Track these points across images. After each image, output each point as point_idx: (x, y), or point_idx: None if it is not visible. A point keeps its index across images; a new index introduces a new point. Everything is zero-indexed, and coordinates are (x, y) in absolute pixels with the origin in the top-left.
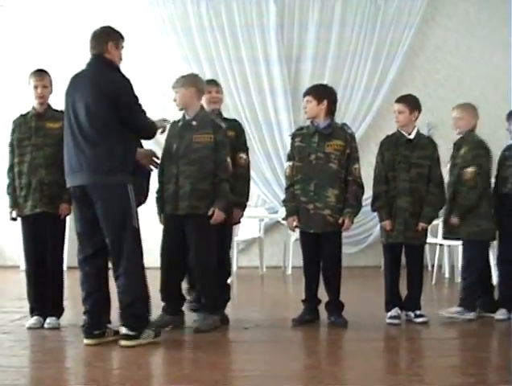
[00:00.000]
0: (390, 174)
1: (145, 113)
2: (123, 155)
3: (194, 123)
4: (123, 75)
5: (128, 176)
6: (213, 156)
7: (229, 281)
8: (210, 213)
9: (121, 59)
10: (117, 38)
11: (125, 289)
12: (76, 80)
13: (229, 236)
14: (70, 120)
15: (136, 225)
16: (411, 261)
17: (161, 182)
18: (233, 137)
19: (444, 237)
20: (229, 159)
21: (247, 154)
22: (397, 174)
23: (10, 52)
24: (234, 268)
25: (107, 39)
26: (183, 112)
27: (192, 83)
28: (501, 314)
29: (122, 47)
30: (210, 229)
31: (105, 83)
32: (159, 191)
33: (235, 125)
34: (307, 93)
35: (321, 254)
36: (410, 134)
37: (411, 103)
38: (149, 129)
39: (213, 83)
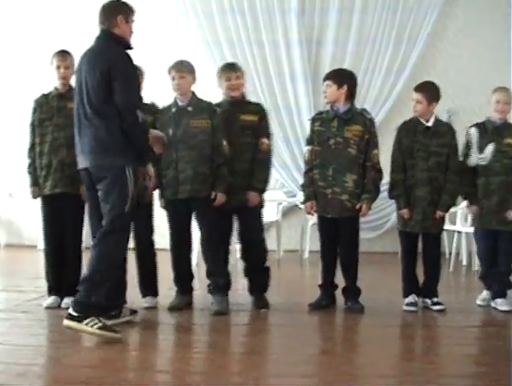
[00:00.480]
0: (408, 162)
1: (139, 107)
2: (123, 137)
3: (190, 109)
4: (126, 54)
5: (127, 159)
6: (211, 140)
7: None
8: (213, 197)
9: (131, 33)
10: (127, 11)
11: (88, 263)
12: (84, 58)
13: (259, 219)
14: (77, 99)
15: (127, 210)
16: (428, 249)
17: (159, 167)
18: (255, 122)
19: (474, 226)
20: (225, 142)
21: (269, 140)
22: (415, 163)
23: (26, 33)
24: None
25: (116, 12)
26: (174, 97)
27: (193, 70)
28: None
29: (133, 21)
30: (213, 210)
31: (106, 59)
32: (158, 177)
33: (258, 109)
34: (327, 77)
35: (339, 239)
36: (428, 122)
37: (430, 93)
38: (135, 131)
39: (232, 68)
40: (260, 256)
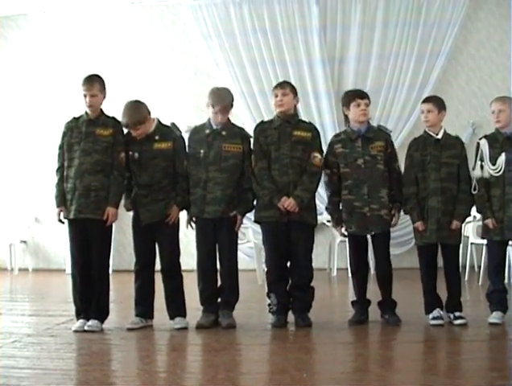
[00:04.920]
0: (420, 174)
1: None
2: None
3: (224, 133)
4: None
5: None
6: (241, 165)
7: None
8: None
9: None
10: None
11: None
12: None
13: (310, 237)
14: None
15: None
16: (448, 262)
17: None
18: (308, 137)
19: (487, 239)
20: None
21: (322, 155)
22: (427, 175)
23: (54, 57)
24: None
25: None
26: (208, 118)
27: (232, 101)
28: None
29: None
30: (236, 232)
31: None
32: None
33: (311, 128)
34: (366, 96)
35: (375, 253)
36: (437, 134)
37: (438, 103)
38: None
39: (279, 85)
40: (306, 275)
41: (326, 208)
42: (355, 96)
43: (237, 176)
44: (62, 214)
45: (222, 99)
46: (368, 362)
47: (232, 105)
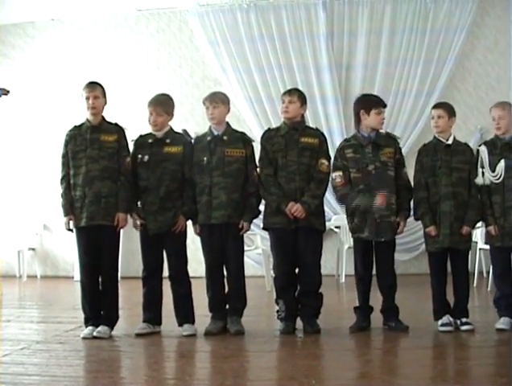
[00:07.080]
0: (431, 179)
1: None
2: None
3: (225, 138)
4: None
5: None
6: (245, 170)
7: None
8: (240, 226)
9: None
10: None
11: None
12: None
13: (318, 242)
14: None
15: None
16: (457, 267)
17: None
18: (315, 144)
19: (490, 245)
20: (255, 173)
21: (329, 162)
22: (438, 180)
23: (62, 64)
24: None
25: None
26: (209, 126)
27: (227, 101)
28: None
29: None
30: (243, 238)
31: None
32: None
33: (318, 134)
34: (385, 105)
35: (380, 261)
36: (447, 140)
37: (449, 109)
38: None
39: (288, 93)
40: (314, 281)
41: (347, 214)
42: (378, 103)
43: (241, 180)
44: (71, 222)
45: (212, 94)
46: (376, 368)
47: (225, 103)
